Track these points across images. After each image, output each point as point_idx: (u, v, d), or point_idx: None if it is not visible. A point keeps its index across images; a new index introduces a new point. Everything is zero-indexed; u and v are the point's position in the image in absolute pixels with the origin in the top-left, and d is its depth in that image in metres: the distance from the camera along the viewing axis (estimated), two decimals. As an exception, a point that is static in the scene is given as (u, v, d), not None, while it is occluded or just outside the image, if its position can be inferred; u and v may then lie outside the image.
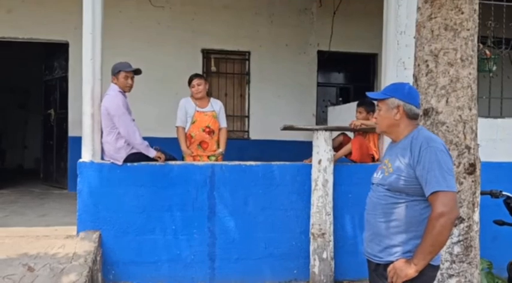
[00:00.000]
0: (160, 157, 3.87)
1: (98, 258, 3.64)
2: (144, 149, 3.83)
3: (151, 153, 3.85)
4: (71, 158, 6.14)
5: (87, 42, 3.86)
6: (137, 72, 3.95)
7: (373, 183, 2.22)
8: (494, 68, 4.51)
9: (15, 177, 7.91)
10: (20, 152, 9.85)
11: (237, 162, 4.05)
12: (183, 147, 4.36)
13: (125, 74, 3.86)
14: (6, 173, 8.21)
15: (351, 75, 7.95)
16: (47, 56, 7.14)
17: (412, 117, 2.13)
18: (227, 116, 6.84)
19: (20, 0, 6.40)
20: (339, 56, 7.31)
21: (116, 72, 3.87)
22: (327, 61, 7.31)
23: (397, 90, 2.14)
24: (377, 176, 2.19)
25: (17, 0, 6.39)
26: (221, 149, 4.50)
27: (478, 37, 4.42)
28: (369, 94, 2.21)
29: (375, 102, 2.49)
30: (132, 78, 3.93)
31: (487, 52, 4.41)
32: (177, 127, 4.44)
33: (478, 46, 4.35)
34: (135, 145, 3.80)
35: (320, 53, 7.27)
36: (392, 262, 2.03)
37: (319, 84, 7.44)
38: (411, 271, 1.94)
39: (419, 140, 2.03)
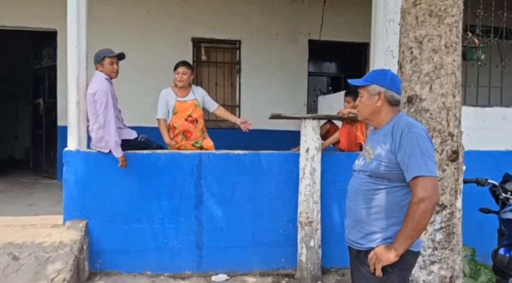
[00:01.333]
0: (122, 163, 3.74)
1: (85, 247, 3.64)
2: (112, 146, 3.68)
3: (118, 153, 3.70)
4: (60, 148, 6.07)
5: (72, 30, 3.81)
6: (121, 56, 3.91)
7: (354, 170, 2.21)
8: (483, 56, 4.50)
9: (5, 168, 7.86)
10: (10, 143, 9.77)
11: (224, 151, 4.04)
12: (166, 139, 4.26)
13: (109, 59, 3.82)
14: (-4, 164, 8.16)
15: (342, 65, 7.92)
16: (35, 45, 7.06)
17: (394, 103, 2.12)
18: (217, 106, 6.88)
19: (7, -13, 6.30)
20: (330, 45, 7.27)
21: (100, 60, 3.82)
22: (318, 50, 7.27)
23: (379, 76, 2.13)
24: (358, 163, 2.19)
25: (3, -12, 6.30)
26: (238, 120, 4.49)
27: (467, 25, 4.46)
28: (350, 81, 2.20)
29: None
30: (117, 63, 3.89)
31: (476, 41, 4.41)
32: (158, 119, 4.31)
33: (467, 34, 4.38)
34: (107, 140, 3.69)
35: (311, 42, 7.23)
36: (373, 248, 2.03)
37: (310, 74, 7.41)
38: (391, 255, 1.94)
39: (400, 126, 2.02)
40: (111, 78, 3.85)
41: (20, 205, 4.73)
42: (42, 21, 6.32)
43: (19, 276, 3.03)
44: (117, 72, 3.90)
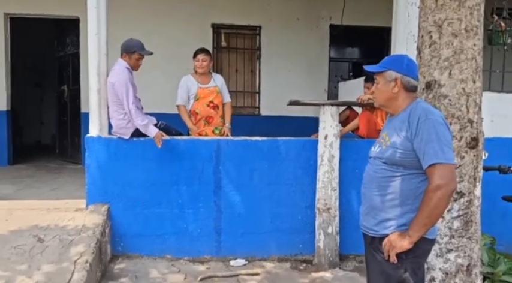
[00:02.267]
0: (158, 142, 3.77)
1: (107, 231, 3.74)
2: (143, 128, 3.77)
3: (151, 132, 3.78)
4: (84, 133, 6.18)
5: (92, 17, 3.86)
6: (150, 54, 3.99)
7: (370, 157, 2.19)
8: (509, 40, 4.35)
9: (33, 153, 8.10)
10: (37, 128, 10.05)
11: (242, 137, 4.06)
12: (189, 124, 4.34)
13: (138, 55, 3.90)
14: (24, 149, 8.41)
15: (365, 50, 7.78)
16: (59, 33, 7.19)
17: (411, 89, 2.08)
18: (238, 92, 6.92)
19: (31, -24, 6.42)
20: (351, 30, 7.14)
21: (130, 52, 3.87)
22: (340, 35, 7.16)
23: (395, 62, 2.09)
24: (374, 150, 2.17)
25: (28, -24, 6.41)
26: (227, 124, 4.48)
27: (493, 8, 4.30)
28: (366, 67, 2.17)
29: None
30: (142, 59, 3.97)
31: (502, 24, 4.25)
32: (178, 106, 4.39)
33: (493, 18, 4.23)
34: (136, 124, 3.79)
35: (332, 27, 7.13)
36: (387, 235, 2.02)
37: (331, 59, 7.33)
38: (406, 242, 1.93)
39: (417, 112, 1.99)
40: (133, 69, 3.91)
41: (45, 190, 4.89)
42: (65, 8, 6.42)
43: (44, 257, 3.14)
44: (139, 66, 3.99)
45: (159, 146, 3.77)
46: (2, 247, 3.24)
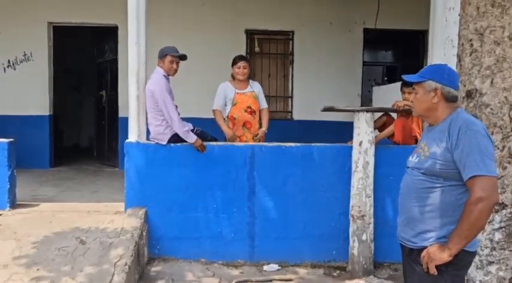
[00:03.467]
0: (197, 147, 3.92)
1: (144, 234, 3.85)
2: (184, 134, 3.88)
3: (191, 138, 3.90)
4: (121, 138, 6.42)
5: (132, 26, 3.99)
6: (183, 57, 4.04)
7: (408, 167, 2.18)
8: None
9: (72, 156, 8.40)
10: (76, 132, 10.41)
11: (276, 143, 4.09)
12: (224, 127, 4.40)
13: (171, 58, 3.96)
14: (64, 151, 8.70)
15: (399, 54, 7.68)
16: (99, 40, 7.44)
17: (451, 99, 2.05)
18: (271, 97, 6.96)
19: (72, -15, 6.68)
20: (386, 33, 7.07)
21: (162, 56, 3.98)
22: (374, 39, 7.09)
23: (435, 72, 2.07)
24: (412, 160, 2.15)
25: (69, -14, 6.68)
26: (264, 128, 4.53)
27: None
28: (405, 77, 2.15)
29: None
30: (177, 63, 4.02)
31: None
32: (214, 110, 4.47)
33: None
34: (176, 130, 3.90)
35: (366, 31, 7.06)
36: (426, 247, 1.99)
37: (365, 63, 7.26)
38: (445, 255, 1.91)
39: (458, 123, 1.96)
40: (168, 75, 4.00)
41: (85, 192, 5.07)
42: (104, 17, 6.64)
43: (86, 259, 3.27)
44: (175, 71, 4.04)
45: (204, 152, 3.92)
46: (47, 248, 3.39)
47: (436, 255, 1.93)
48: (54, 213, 4.02)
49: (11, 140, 4.17)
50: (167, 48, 4.01)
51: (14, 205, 4.17)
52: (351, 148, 3.98)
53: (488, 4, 2.37)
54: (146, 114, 4.03)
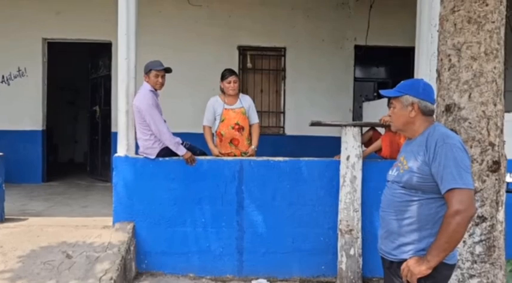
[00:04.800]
0: (187, 160, 3.96)
1: (132, 248, 3.84)
2: (174, 146, 3.93)
3: (181, 151, 3.94)
4: (114, 153, 6.41)
5: (122, 43, 4.04)
6: (168, 70, 4.07)
7: (388, 180, 2.20)
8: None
9: (66, 170, 8.40)
10: (71, 147, 10.43)
11: (265, 158, 4.11)
12: (211, 145, 4.36)
13: (155, 72, 3.99)
14: (58, 166, 8.72)
15: (390, 70, 7.77)
16: (93, 55, 7.51)
17: (428, 113, 2.09)
18: (263, 112, 7.00)
19: (68, 2, 6.77)
20: (376, 50, 7.17)
21: (147, 71, 4.02)
22: (365, 55, 7.19)
23: (411, 87, 2.11)
24: (392, 173, 2.17)
25: (65, 3, 6.77)
26: (253, 146, 4.46)
27: (507, 29, 4.23)
28: (382, 92, 2.20)
29: None
30: (162, 77, 4.04)
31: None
32: (203, 126, 4.43)
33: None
34: (165, 142, 3.93)
35: (357, 48, 7.16)
36: (405, 260, 2.01)
37: (356, 79, 7.34)
38: (424, 268, 1.92)
39: (435, 137, 1.99)
40: (155, 89, 4.04)
41: (75, 207, 5.06)
42: (99, 33, 6.73)
43: (71, 273, 3.26)
44: (161, 84, 4.05)
45: (193, 165, 3.97)
46: (33, 262, 3.38)
47: (415, 268, 1.94)
48: (41, 228, 4.01)
49: (1, 154, 4.19)
50: (151, 63, 4.04)
51: (1, 219, 4.17)
52: (338, 162, 4.00)
53: (465, 21, 2.43)
54: (135, 128, 4.06)
